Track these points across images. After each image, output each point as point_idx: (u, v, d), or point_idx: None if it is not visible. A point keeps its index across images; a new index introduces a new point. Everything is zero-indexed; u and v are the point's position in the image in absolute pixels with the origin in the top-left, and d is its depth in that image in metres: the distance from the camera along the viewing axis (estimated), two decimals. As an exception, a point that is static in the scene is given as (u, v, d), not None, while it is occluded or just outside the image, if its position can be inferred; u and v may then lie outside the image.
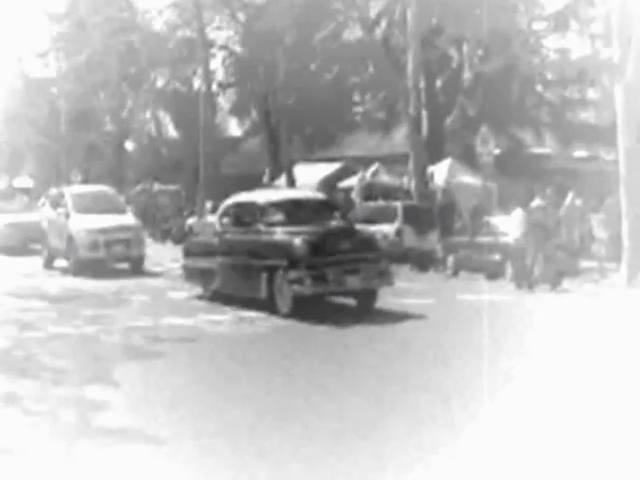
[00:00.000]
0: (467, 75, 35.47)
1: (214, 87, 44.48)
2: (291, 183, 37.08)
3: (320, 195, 19.63)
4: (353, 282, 14.67)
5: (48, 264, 24.88)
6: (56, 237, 24.08)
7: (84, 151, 48.64)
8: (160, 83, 47.57)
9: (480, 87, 34.69)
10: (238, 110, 47.17)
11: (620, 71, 20.42)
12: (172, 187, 42.46)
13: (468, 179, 31.06)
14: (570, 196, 24.55)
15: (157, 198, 38.95)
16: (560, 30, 34.30)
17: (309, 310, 14.45)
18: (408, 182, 30.26)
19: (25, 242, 29.82)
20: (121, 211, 24.54)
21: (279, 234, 15.14)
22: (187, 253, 18.40)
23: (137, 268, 23.18)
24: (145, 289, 19.36)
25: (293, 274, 14.34)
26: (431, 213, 26.90)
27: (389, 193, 30.68)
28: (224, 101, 48.07)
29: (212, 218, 31.93)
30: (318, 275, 14.37)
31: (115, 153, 47.70)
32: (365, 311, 15.01)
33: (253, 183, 43.62)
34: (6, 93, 53.83)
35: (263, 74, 39.14)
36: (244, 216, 16.45)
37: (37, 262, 25.68)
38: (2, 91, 54.27)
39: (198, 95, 43.22)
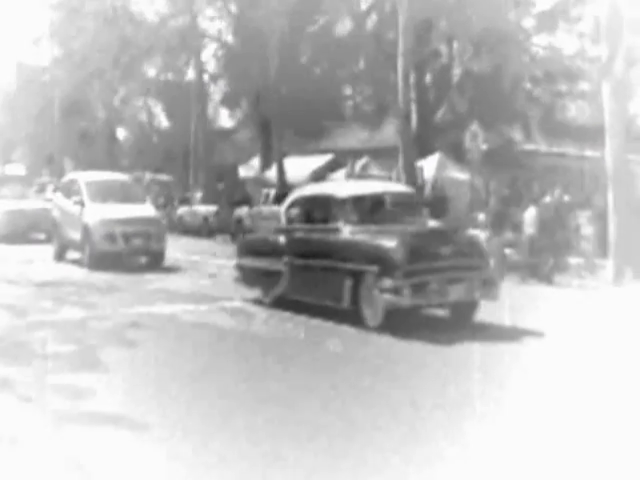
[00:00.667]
0: (457, 71, 35.75)
1: (206, 78, 44.75)
2: (281, 175, 37.37)
3: (408, 189, 16.68)
4: (456, 293, 12.70)
5: (59, 256, 23.19)
6: (69, 227, 22.42)
7: (76, 139, 48.79)
8: (152, 73, 47.75)
9: (469, 83, 34.99)
10: (229, 101, 47.39)
11: (608, 70, 20.73)
12: (163, 176, 42.73)
13: (456, 174, 31.42)
14: (557, 192, 24.90)
15: (148, 187, 39.22)
16: (549, 29, 34.64)
17: (401, 323, 12.38)
18: (397, 175, 30.57)
19: (25, 230, 29.19)
20: (140, 201, 22.81)
21: (366, 234, 13.09)
22: (243, 252, 16.06)
23: (157, 263, 21.52)
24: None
25: (388, 282, 12.22)
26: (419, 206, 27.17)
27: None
28: (216, 92, 48.28)
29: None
30: (418, 284, 12.31)
31: (107, 141, 47.90)
32: (463, 325, 13.00)
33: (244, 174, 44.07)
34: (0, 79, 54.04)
35: (254, 66, 39.36)
36: (318, 211, 14.33)
37: (42, 251, 24.40)
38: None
39: (189, 85, 43.51)
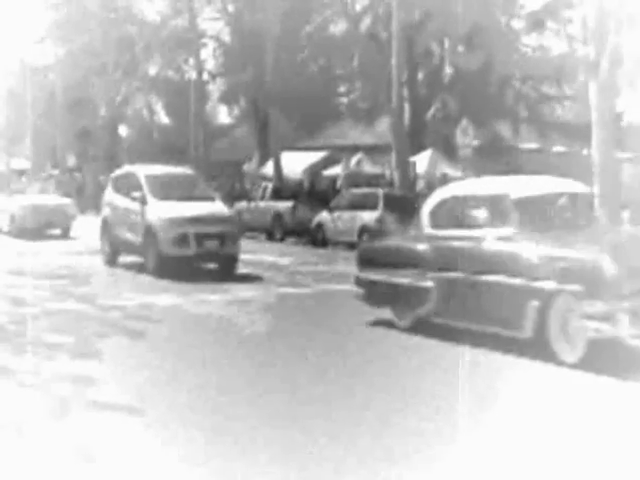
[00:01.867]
0: (448, 70, 36.53)
1: (205, 76, 45.67)
2: (278, 170, 38.14)
3: (586, 188, 13.02)
4: None
5: (112, 260, 20.16)
6: (125, 228, 19.48)
7: (79, 135, 49.50)
8: (153, 71, 48.59)
9: (460, 82, 35.69)
10: (227, 99, 48.22)
11: (595, 69, 21.59)
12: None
13: (447, 170, 32.22)
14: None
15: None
16: (537, 29, 35.48)
17: (607, 358, 9.63)
18: (390, 171, 31.39)
19: (42, 226, 28.18)
20: (209, 198, 19.71)
21: (552, 243, 10.41)
22: (366, 262, 12.96)
23: (230, 269, 18.65)
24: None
25: (596, 306, 9.52)
26: (412, 202, 27.90)
27: (372, 182, 31.78)
28: (214, 89, 49.13)
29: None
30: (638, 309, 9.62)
31: (109, 137, 48.60)
32: None
33: (241, 169, 44.97)
34: (5, 77, 54.84)
35: (252, 64, 40.22)
36: (479, 214, 11.50)
37: (77, 252, 22.54)
38: (1, 75, 55.30)
39: (189, 83, 44.41)
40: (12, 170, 44.39)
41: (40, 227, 28.12)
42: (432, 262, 11.57)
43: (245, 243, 20.33)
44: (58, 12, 47.53)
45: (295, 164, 38.86)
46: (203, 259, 18.79)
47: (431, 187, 29.94)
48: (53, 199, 29.90)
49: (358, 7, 37.75)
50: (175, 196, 18.96)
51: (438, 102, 36.68)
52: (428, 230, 11.99)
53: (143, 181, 19.31)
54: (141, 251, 18.91)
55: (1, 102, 55.69)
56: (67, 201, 30.15)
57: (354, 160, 35.68)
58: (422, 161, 32.77)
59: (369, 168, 35.31)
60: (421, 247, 11.85)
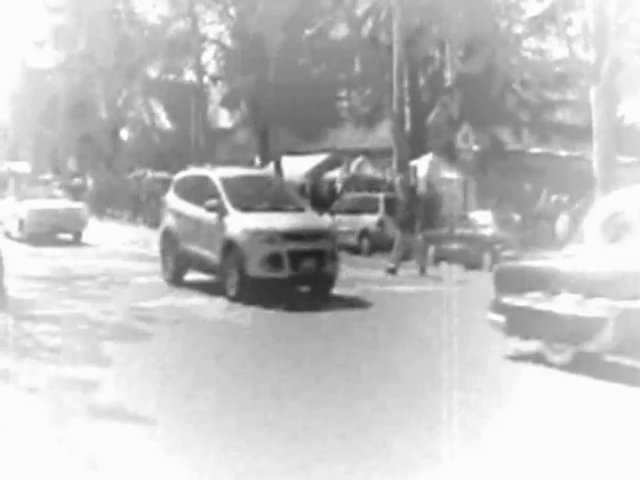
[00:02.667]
0: (449, 74, 36.56)
1: (206, 79, 45.71)
2: (279, 174, 38.15)
3: None
4: None
5: (174, 279, 17.20)
6: (196, 242, 16.57)
7: (80, 139, 49.54)
8: (154, 74, 48.64)
9: (461, 86, 35.72)
10: (228, 102, 48.27)
11: (596, 74, 21.64)
12: (165, 174, 43.57)
13: (448, 174, 32.22)
14: (544, 193, 25.86)
15: (150, 185, 40.05)
16: (538, 34, 35.50)
17: None
18: (391, 175, 31.41)
19: (52, 231, 27.55)
20: (299, 207, 16.99)
21: None
22: (509, 285, 10.82)
23: (325, 291, 15.97)
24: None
25: None
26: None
27: (373, 185, 31.81)
28: (216, 93, 49.17)
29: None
30: None
31: (110, 141, 48.65)
32: None
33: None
34: (5, 80, 55.00)
35: (253, 68, 40.27)
36: None
37: (97, 253, 21.75)
38: (1, 78, 55.44)
39: (190, 87, 44.46)
40: (12, 173, 44.35)
41: (51, 232, 27.42)
42: (606, 287, 9.35)
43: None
44: (59, 15, 47.60)
45: (296, 168, 38.89)
46: (298, 282, 15.77)
47: (431, 191, 30.03)
48: (64, 203, 29.05)
49: (359, 12, 37.81)
50: (260, 205, 16.10)
51: (439, 106, 36.70)
52: (596, 247, 9.91)
53: (220, 186, 16.22)
54: (219, 271, 15.76)
55: (2, 105, 55.75)
56: (79, 205, 29.74)
57: (355, 164, 35.73)
58: (423, 165, 32.79)
59: (370, 172, 35.34)
60: (589, 269, 9.69)
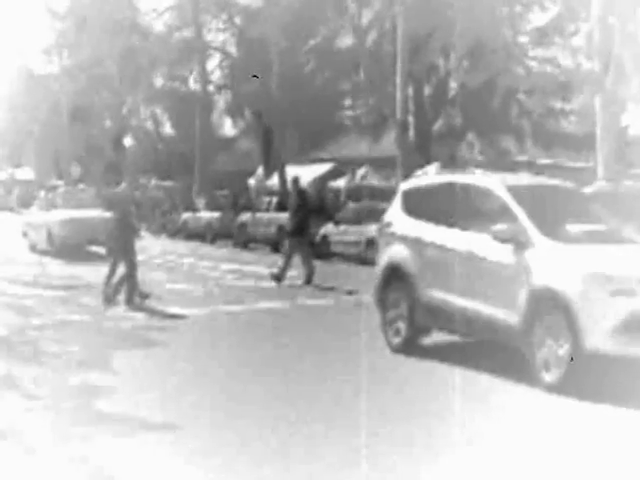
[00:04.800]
0: (453, 84, 36.57)
1: (210, 88, 45.81)
2: (283, 183, 38.23)
3: None
4: None
5: (409, 342, 11.61)
6: (449, 284, 10.85)
7: (83, 145, 49.65)
8: (158, 82, 48.77)
9: (465, 96, 35.76)
10: (232, 110, 48.39)
11: (600, 84, 21.65)
12: (168, 183, 43.66)
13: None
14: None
15: (154, 193, 40.12)
16: (543, 44, 35.51)
17: None
18: (396, 184, 31.38)
19: (83, 243, 25.31)
20: (628, 238, 10.57)
21: None
22: None
23: None
24: None
25: None
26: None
27: (377, 195, 31.84)
28: (220, 101, 49.29)
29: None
30: None
31: (114, 148, 48.77)
32: None
33: (246, 181, 45.07)
34: (9, 86, 55.11)
35: (257, 77, 40.37)
36: None
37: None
38: (5, 84, 55.59)
39: (194, 95, 44.56)
40: (15, 180, 44.48)
41: (81, 244, 25.29)
42: None
43: (249, 255, 19.55)
44: (64, 22, 47.75)
45: (300, 176, 38.84)
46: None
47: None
48: (95, 213, 25.36)
49: (364, 20, 37.85)
50: (578, 233, 10.05)
51: (443, 116, 36.73)
52: None
53: (511, 202, 10.39)
54: (520, 338, 9.69)
55: (5, 111, 55.91)
56: None
57: (360, 173, 35.77)
58: (431, 173, 32.70)
59: (375, 181, 35.37)
60: None
